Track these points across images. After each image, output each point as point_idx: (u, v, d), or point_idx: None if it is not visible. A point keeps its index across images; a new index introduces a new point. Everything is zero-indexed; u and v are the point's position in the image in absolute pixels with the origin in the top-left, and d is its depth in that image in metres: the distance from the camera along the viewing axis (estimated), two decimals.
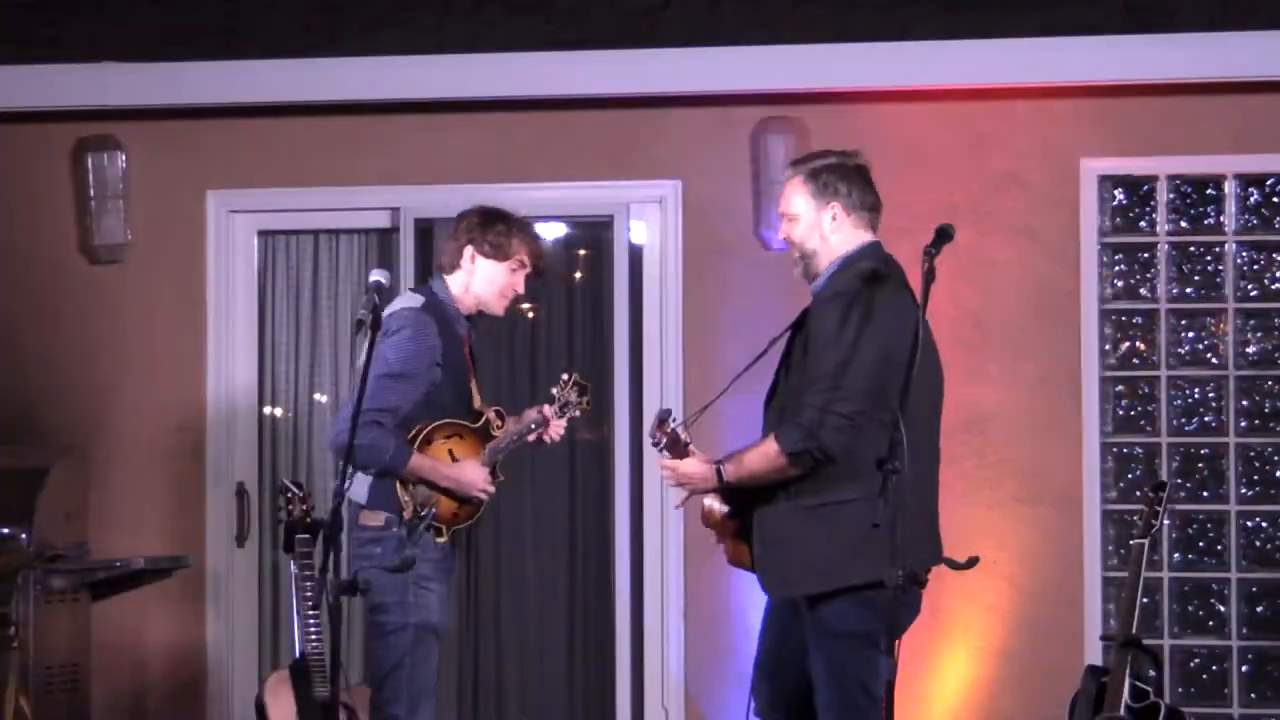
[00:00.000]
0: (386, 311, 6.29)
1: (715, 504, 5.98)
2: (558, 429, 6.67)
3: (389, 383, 6.32)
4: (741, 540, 5.95)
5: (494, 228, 6.52)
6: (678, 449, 5.95)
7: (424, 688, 6.40)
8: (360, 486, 6.40)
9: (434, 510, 6.36)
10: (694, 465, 5.92)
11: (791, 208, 5.97)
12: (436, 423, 6.40)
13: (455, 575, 6.64)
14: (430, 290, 6.53)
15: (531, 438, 6.63)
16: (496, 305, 6.57)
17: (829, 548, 5.74)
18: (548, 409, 6.65)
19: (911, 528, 5.37)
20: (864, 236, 5.95)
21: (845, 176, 5.96)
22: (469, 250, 6.51)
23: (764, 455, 5.78)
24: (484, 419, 6.54)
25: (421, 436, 6.38)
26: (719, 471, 5.87)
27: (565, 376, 6.68)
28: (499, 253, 6.51)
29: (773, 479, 5.78)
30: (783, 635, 5.96)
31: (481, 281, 6.52)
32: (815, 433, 5.68)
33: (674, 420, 5.95)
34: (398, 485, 6.37)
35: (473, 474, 6.44)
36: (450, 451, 6.42)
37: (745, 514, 5.92)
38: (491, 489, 6.50)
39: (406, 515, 6.35)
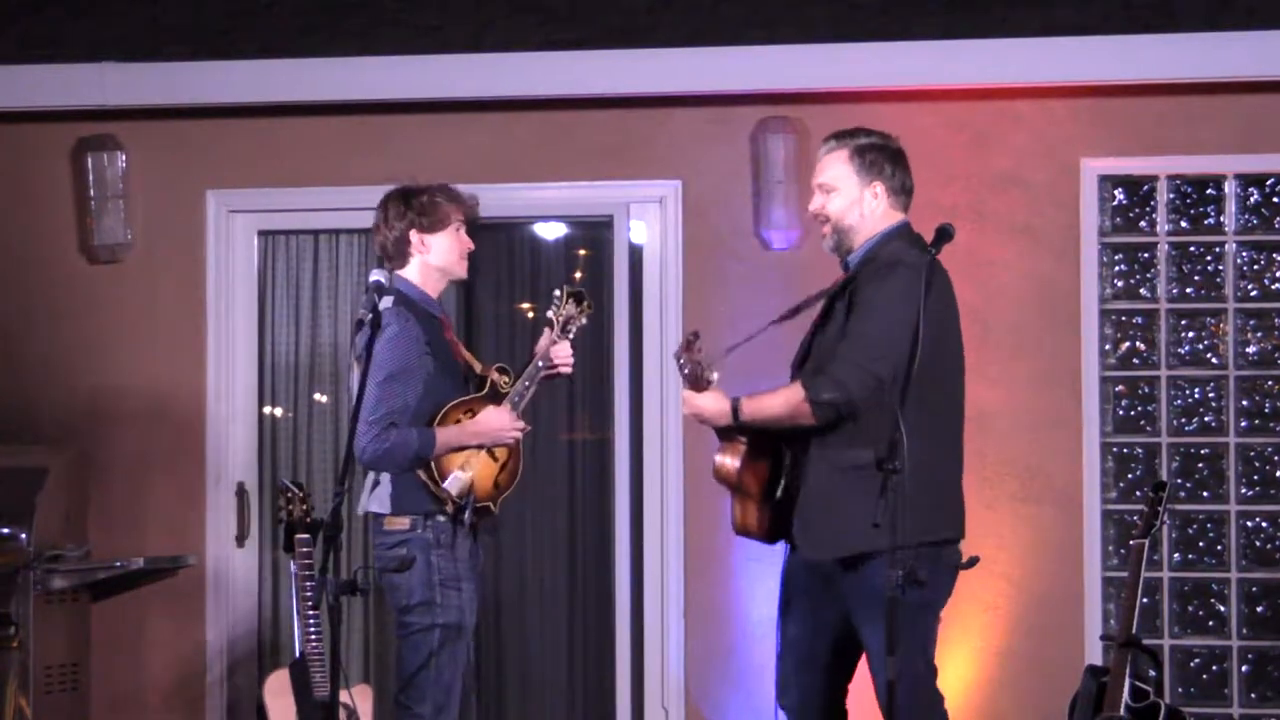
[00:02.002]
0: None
1: (727, 459, 5.88)
2: (565, 356, 6.59)
3: (390, 385, 6.33)
4: (753, 502, 5.87)
5: (419, 202, 6.51)
6: (699, 383, 5.87)
7: (450, 689, 6.38)
8: (382, 496, 6.39)
9: (473, 496, 6.35)
10: (710, 399, 5.85)
11: (833, 180, 5.94)
12: (448, 405, 6.40)
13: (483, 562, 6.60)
14: (394, 290, 6.48)
15: (545, 374, 6.59)
16: (460, 269, 6.58)
17: (860, 507, 5.58)
18: (550, 332, 6.60)
19: (933, 495, 5.47)
20: (898, 216, 5.95)
21: (891, 157, 5.95)
22: (412, 234, 6.50)
23: (786, 400, 5.75)
24: (489, 383, 6.54)
25: (437, 423, 6.38)
26: (735, 409, 5.82)
27: (557, 293, 6.64)
28: (439, 223, 6.51)
29: (787, 425, 5.76)
30: (813, 622, 5.90)
31: (439, 255, 6.52)
32: (846, 384, 5.66)
33: (699, 348, 5.83)
34: (428, 485, 6.36)
35: (496, 419, 6.43)
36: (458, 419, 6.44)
37: (765, 476, 5.86)
38: (520, 425, 6.47)
39: (450, 510, 6.35)
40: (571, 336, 6.61)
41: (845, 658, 5.93)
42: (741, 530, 5.95)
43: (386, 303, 6.39)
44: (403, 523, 6.39)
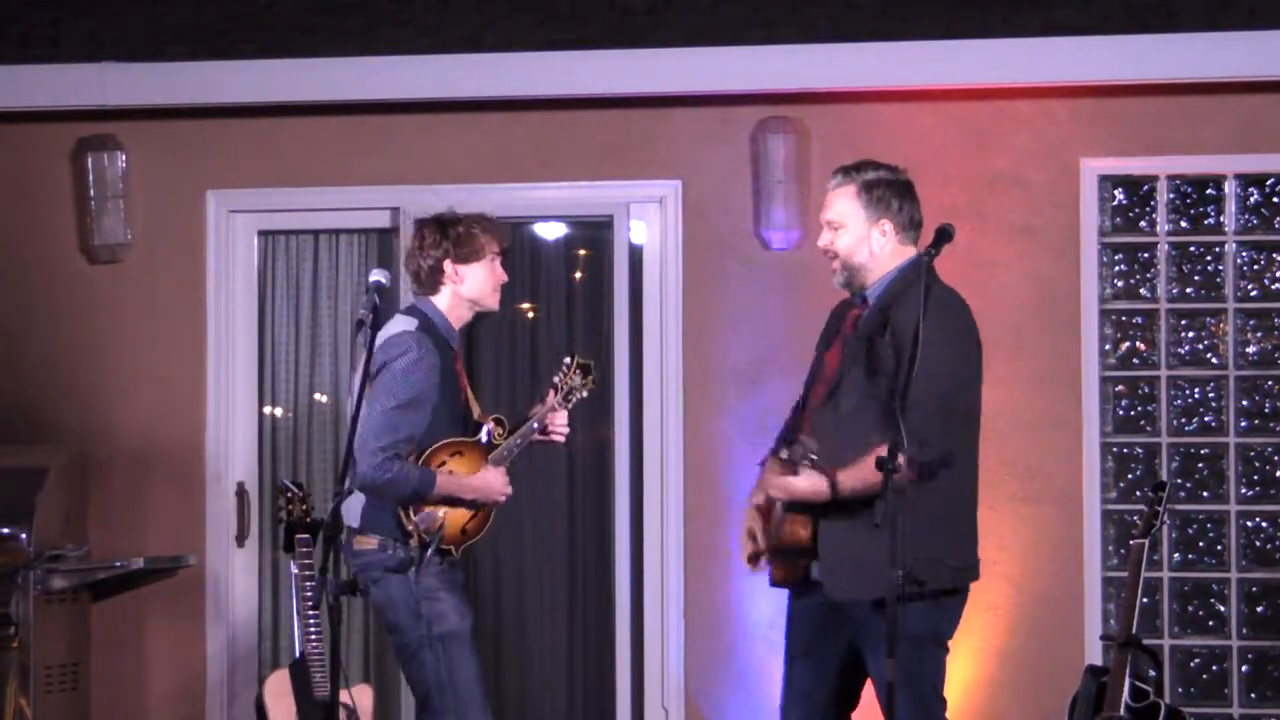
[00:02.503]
0: (382, 337, 6.26)
1: (800, 530, 5.79)
2: (561, 424, 6.57)
3: (401, 413, 6.25)
4: (803, 557, 5.82)
5: (455, 232, 6.44)
6: (796, 468, 5.80)
7: (468, 695, 6.32)
8: (354, 507, 6.32)
9: (440, 535, 6.30)
10: (805, 481, 5.68)
11: (840, 217, 5.89)
12: (437, 444, 6.34)
13: (463, 578, 6.57)
14: (421, 312, 6.43)
15: (537, 437, 6.57)
16: (492, 300, 6.51)
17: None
18: (551, 398, 6.56)
19: (952, 526, 5.57)
20: (909, 252, 5.90)
21: (898, 191, 5.90)
22: (447, 264, 6.42)
23: (806, 452, 5.69)
24: (485, 430, 6.49)
25: (423, 459, 6.31)
26: (834, 486, 5.67)
27: (567, 360, 6.60)
28: (475, 254, 6.44)
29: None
30: (822, 650, 5.88)
31: (473, 286, 6.45)
32: (934, 443, 5.64)
33: (812, 458, 5.72)
34: (401, 513, 6.29)
35: (494, 479, 6.40)
36: (450, 472, 6.36)
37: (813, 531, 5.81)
38: (509, 490, 6.45)
39: (414, 543, 6.28)
40: (570, 407, 6.59)
41: (852, 690, 5.94)
42: (782, 583, 5.92)
43: (409, 325, 6.35)
44: (370, 542, 6.33)
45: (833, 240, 5.89)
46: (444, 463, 6.33)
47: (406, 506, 6.27)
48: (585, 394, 6.62)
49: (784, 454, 5.74)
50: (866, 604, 5.70)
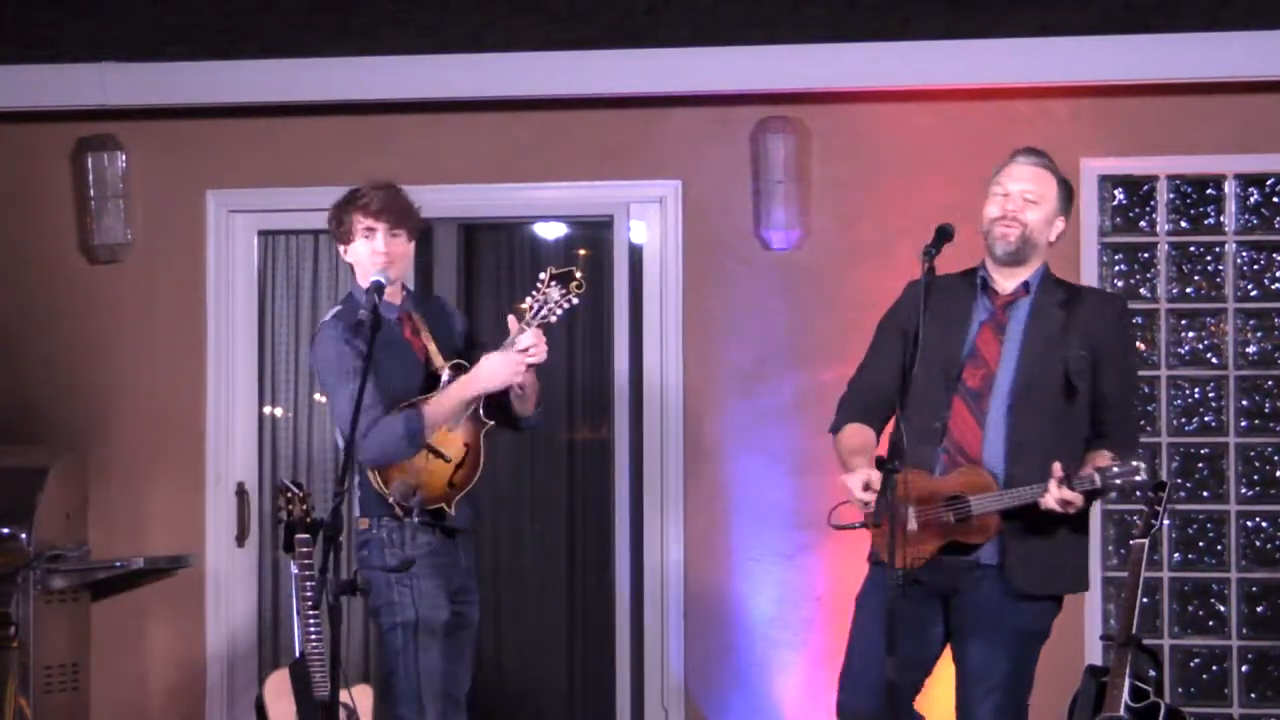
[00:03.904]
0: None
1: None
2: (528, 345, 6.27)
3: (334, 396, 6.33)
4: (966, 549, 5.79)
5: (332, 221, 6.48)
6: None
7: (429, 685, 6.34)
8: (357, 497, 6.38)
9: (419, 497, 6.31)
10: (1076, 496, 5.69)
11: (1040, 195, 5.98)
12: (400, 407, 6.27)
13: (467, 564, 6.53)
14: (348, 294, 6.50)
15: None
16: (377, 273, 6.29)
17: (1081, 550, 5.92)
18: (514, 322, 6.32)
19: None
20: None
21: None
22: (339, 248, 6.50)
23: (1128, 476, 5.73)
24: (444, 379, 6.36)
25: None
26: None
27: (541, 276, 6.33)
28: (346, 235, 6.45)
29: None
30: (920, 638, 5.83)
31: (357, 265, 6.45)
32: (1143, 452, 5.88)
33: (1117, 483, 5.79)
34: (375, 483, 6.29)
35: (490, 364, 6.29)
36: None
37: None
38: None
39: (398, 513, 6.31)
40: (547, 323, 6.30)
41: (924, 682, 5.99)
42: (897, 564, 5.64)
43: (326, 316, 6.45)
44: (365, 523, 6.40)
45: (1022, 210, 5.93)
46: None
47: (387, 478, 6.26)
48: (570, 304, 6.32)
49: (1081, 483, 5.71)
50: (997, 595, 5.78)
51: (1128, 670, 6.98)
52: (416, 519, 6.30)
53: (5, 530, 7.91)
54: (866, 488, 5.71)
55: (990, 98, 8.02)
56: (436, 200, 8.18)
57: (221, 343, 8.43)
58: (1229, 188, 8.01)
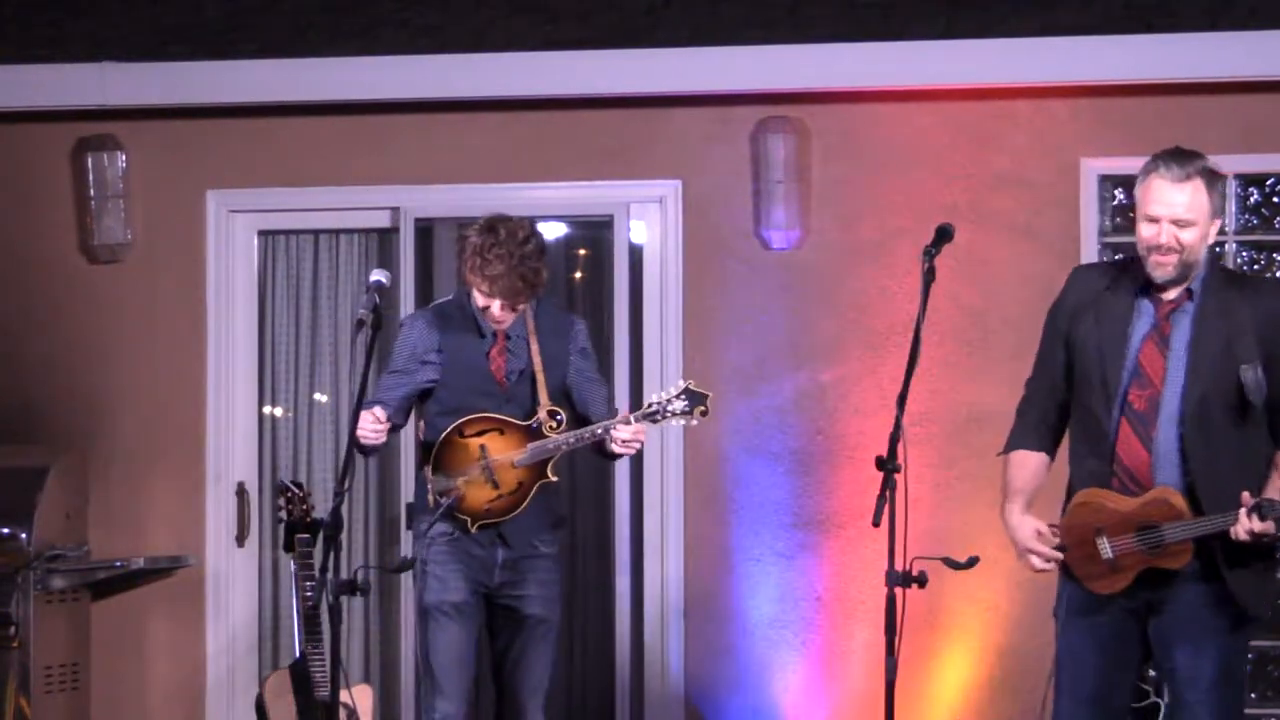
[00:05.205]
0: None
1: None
2: (625, 435, 6.42)
3: (382, 377, 6.57)
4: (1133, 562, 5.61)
5: (457, 251, 6.61)
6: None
7: (443, 668, 6.47)
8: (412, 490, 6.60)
9: (454, 498, 6.39)
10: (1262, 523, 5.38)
11: (1193, 214, 5.43)
12: (470, 417, 6.44)
13: (487, 554, 6.57)
14: (458, 292, 6.66)
15: (593, 442, 6.48)
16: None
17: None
18: (627, 411, 6.52)
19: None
20: None
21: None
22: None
23: None
24: (535, 418, 6.50)
25: (453, 428, 6.44)
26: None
27: (679, 383, 6.48)
28: (462, 277, 6.58)
29: None
30: (1125, 658, 5.65)
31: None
32: None
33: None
34: (426, 475, 6.45)
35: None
36: (482, 446, 6.44)
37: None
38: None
39: (431, 504, 6.42)
40: (656, 424, 6.44)
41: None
42: (1104, 589, 5.66)
43: (427, 305, 6.78)
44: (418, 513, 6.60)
45: (1176, 236, 5.42)
46: (482, 432, 6.44)
47: (443, 467, 6.43)
48: (687, 423, 6.45)
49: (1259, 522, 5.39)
50: (1197, 604, 5.51)
51: None
52: (438, 515, 6.43)
53: (5, 530, 7.91)
54: (1039, 537, 5.66)
55: (990, 97, 8.02)
56: (436, 200, 8.20)
57: (221, 343, 8.43)
58: (1229, 188, 8.01)
